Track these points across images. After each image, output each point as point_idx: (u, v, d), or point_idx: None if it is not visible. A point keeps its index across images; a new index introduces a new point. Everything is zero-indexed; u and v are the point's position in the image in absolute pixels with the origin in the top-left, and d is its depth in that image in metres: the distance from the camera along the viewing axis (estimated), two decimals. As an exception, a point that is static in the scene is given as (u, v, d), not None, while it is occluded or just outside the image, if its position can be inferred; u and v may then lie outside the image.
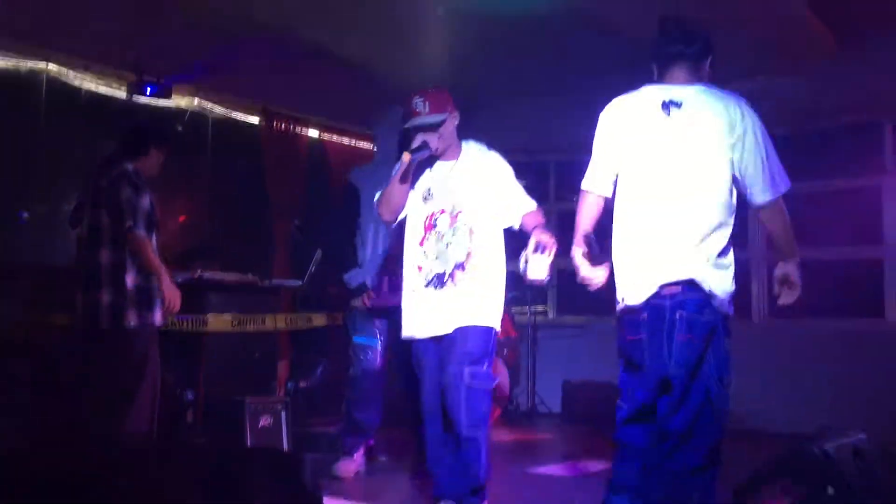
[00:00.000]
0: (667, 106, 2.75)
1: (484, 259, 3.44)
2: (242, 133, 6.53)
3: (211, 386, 4.89)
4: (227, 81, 6.05)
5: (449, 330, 3.37)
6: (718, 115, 2.71)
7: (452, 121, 3.50)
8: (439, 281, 3.40)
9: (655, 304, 2.68)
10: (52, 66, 5.35)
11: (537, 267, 3.15)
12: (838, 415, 5.48)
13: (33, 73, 5.32)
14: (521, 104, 7.66)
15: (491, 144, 4.14)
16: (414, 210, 3.53)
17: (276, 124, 6.60)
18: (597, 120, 2.96)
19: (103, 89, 5.67)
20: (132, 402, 3.71)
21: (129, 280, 3.79)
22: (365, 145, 7.37)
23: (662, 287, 2.67)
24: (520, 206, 3.54)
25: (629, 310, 2.78)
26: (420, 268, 3.45)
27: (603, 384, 7.07)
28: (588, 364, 7.32)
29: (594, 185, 2.92)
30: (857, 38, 5.44)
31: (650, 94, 2.82)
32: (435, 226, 3.45)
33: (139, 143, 4.01)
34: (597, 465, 4.89)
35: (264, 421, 4.77)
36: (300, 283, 5.63)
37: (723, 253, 2.72)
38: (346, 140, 7.29)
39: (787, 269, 2.79)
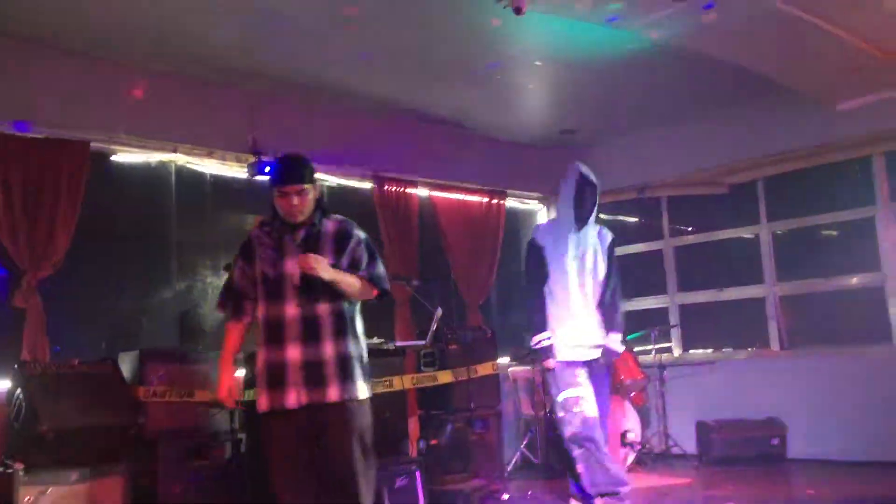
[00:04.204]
0: None
1: None
2: (356, 199, 6.75)
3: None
4: (338, 151, 6.35)
5: None
6: None
7: None
8: None
9: None
10: (180, 156, 5.75)
11: None
12: None
13: (163, 164, 5.74)
14: (629, 142, 7.64)
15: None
16: None
17: (388, 188, 6.81)
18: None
19: (226, 171, 6.04)
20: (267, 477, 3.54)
21: (259, 359, 3.47)
22: (472, 199, 7.49)
23: None
24: None
25: None
26: None
27: (739, 421, 6.84)
28: (721, 401, 7.09)
29: None
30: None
31: None
32: None
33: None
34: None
35: (400, 482, 4.85)
36: (423, 342, 5.72)
37: None
38: (454, 196, 7.42)
39: None
